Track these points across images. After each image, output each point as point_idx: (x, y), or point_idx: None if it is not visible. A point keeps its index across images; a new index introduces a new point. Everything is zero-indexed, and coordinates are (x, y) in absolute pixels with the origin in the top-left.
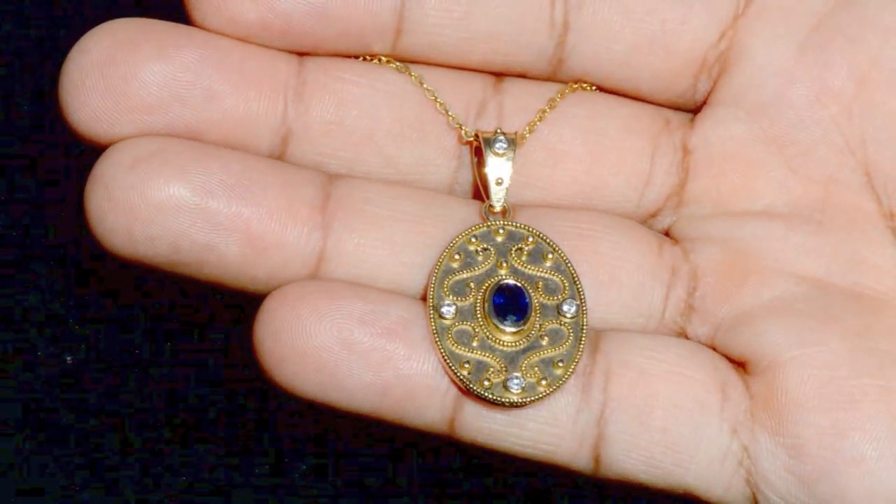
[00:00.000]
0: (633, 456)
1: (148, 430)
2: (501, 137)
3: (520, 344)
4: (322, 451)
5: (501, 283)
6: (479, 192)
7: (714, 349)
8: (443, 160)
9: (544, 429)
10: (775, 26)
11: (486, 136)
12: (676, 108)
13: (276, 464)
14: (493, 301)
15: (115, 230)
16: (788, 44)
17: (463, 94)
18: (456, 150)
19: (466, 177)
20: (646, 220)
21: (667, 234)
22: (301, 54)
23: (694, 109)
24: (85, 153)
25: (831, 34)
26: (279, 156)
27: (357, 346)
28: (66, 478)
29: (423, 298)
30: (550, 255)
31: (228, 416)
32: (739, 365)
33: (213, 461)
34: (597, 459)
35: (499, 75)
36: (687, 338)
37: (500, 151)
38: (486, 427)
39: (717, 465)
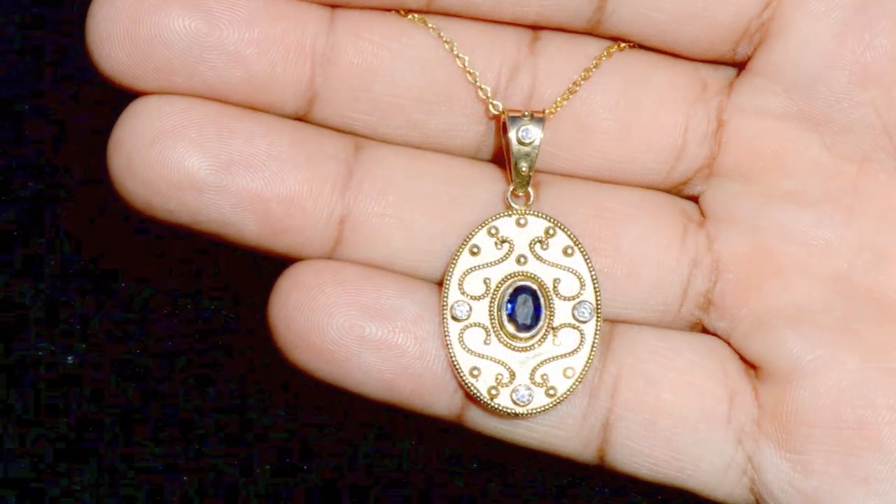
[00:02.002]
0: (637, 460)
1: (149, 429)
2: (528, 126)
3: (531, 347)
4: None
5: (517, 285)
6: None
7: (729, 343)
8: (470, 126)
9: (550, 431)
10: (819, 3)
11: (513, 114)
12: (716, 62)
13: (278, 463)
14: (508, 306)
15: (135, 197)
16: (831, 22)
17: (496, 56)
18: (484, 116)
19: (494, 139)
20: (675, 187)
21: (696, 199)
22: (334, 6)
23: (733, 65)
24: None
25: (875, 15)
26: (304, 115)
27: (368, 342)
28: (67, 478)
29: (440, 283)
30: (570, 250)
31: (229, 415)
32: (751, 366)
33: (214, 460)
34: (601, 459)
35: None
36: (703, 328)
37: (527, 141)
38: (492, 425)
39: (721, 474)
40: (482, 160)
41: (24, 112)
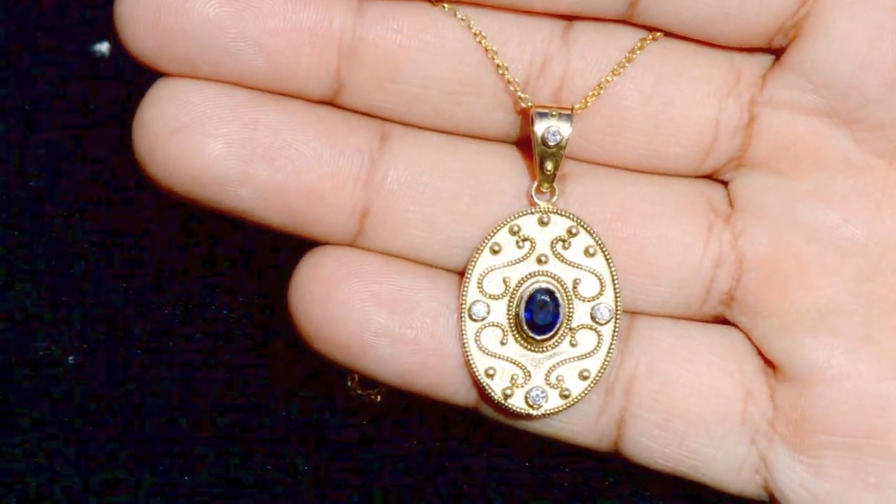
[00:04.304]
0: (650, 457)
1: (149, 429)
2: (555, 126)
3: (548, 348)
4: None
5: (536, 285)
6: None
7: (749, 337)
8: (499, 115)
9: (565, 426)
10: (854, 5)
11: (541, 111)
12: (751, 50)
13: (279, 463)
14: (526, 307)
15: (158, 181)
16: (866, 25)
17: (527, 46)
18: (513, 108)
19: (522, 127)
20: (704, 175)
21: (725, 183)
22: None
23: (769, 51)
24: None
25: None
26: (330, 100)
27: (385, 337)
28: (67, 478)
29: (462, 273)
30: (592, 250)
31: (229, 415)
32: (769, 364)
33: (217, 460)
34: (616, 451)
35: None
36: (725, 319)
37: (552, 143)
38: (506, 418)
39: (734, 473)
40: (509, 142)
41: (25, 107)
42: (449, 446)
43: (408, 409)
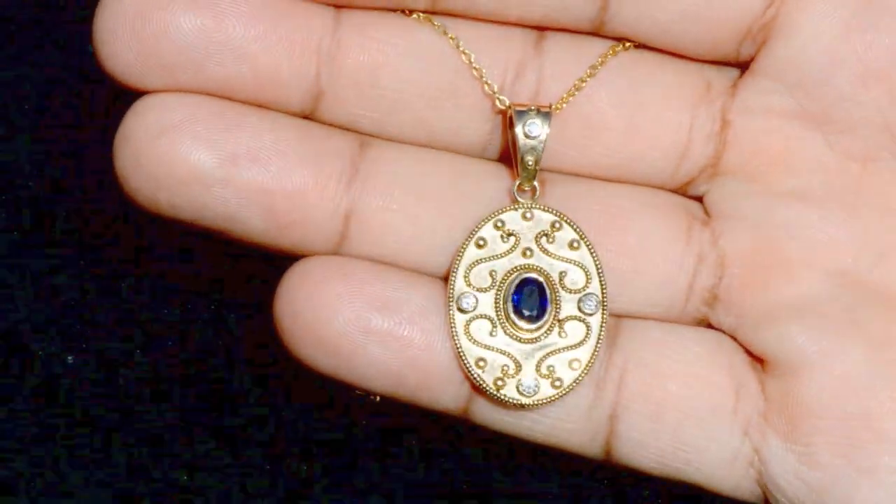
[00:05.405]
0: (643, 453)
1: (150, 429)
2: (535, 120)
3: (537, 339)
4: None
5: (523, 277)
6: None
7: (735, 338)
8: (477, 124)
9: (556, 423)
10: (822, 2)
11: (519, 109)
12: (720, 63)
13: (280, 465)
14: (513, 298)
15: (141, 192)
16: (834, 22)
17: (501, 55)
18: (490, 113)
19: (500, 137)
20: (680, 187)
21: (701, 200)
22: (339, 6)
23: (737, 65)
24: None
25: (878, 14)
26: (310, 112)
27: (374, 335)
28: (67, 478)
29: (446, 278)
30: (576, 244)
31: (229, 416)
32: (757, 360)
33: (215, 460)
34: (608, 452)
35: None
36: (709, 324)
37: (533, 135)
38: (498, 419)
39: (727, 466)
40: (488, 159)
41: (25, 110)
42: (448, 446)
43: (407, 408)
